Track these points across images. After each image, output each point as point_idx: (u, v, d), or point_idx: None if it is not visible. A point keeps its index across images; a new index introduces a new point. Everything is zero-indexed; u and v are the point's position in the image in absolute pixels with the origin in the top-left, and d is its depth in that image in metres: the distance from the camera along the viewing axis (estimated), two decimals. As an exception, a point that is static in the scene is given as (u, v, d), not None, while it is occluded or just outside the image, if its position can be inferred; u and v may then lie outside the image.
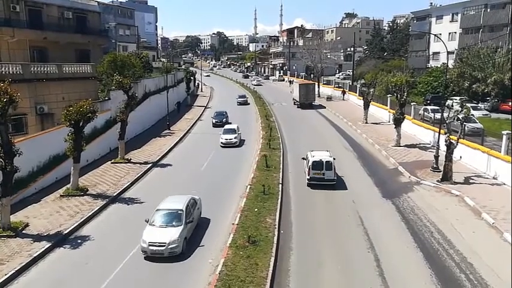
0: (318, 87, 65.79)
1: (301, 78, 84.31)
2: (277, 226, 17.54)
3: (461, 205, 20.08)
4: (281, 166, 26.64)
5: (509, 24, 48.85)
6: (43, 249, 15.77)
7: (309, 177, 22.85)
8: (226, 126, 35.96)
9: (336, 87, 67.06)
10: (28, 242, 16.31)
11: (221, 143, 33.25)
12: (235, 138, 33.40)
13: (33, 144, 22.26)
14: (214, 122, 42.34)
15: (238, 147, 33.11)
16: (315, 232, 17.62)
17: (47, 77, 28.23)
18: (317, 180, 22.64)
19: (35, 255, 15.32)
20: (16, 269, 14.32)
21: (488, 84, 43.86)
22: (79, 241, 16.84)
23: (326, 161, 22.57)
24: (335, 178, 22.69)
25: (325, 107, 54.06)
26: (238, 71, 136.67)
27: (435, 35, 52.21)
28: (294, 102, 56.42)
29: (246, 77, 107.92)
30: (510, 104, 41.16)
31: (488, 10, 54.57)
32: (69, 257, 15.69)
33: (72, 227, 17.77)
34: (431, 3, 74.28)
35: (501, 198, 20.15)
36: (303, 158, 24.91)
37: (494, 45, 47.48)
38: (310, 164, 22.77)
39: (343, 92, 61.63)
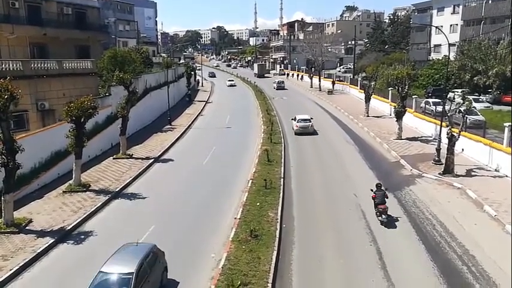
0: (319, 80, 65.77)
1: (302, 71, 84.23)
2: (279, 220, 17.59)
3: (463, 198, 20.08)
4: (283, 160, 26.64)
5: (511, 16, 48.48)
6: (46, 245, 15.84)
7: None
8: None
9: (337, 80, 66.88)
10: (32, 238, 16.39)
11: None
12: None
13: (34, 141, 22.26)
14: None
15: (239, 142, 33.06)
16: (317, 226, 17.66)
17: (48, 73, 28.19)
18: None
19: (38, 251, 15.39)
20: (20, 265, 14.39)
21: (490, 76, 43.70)
22: (82, 236, 16.92)
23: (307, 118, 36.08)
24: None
25: (269, 77, 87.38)
26: (239, 65, 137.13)
27: (436, 27, 51.94)
28: (255, 75, 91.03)
29: (229, 65, 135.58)
30: (512, 96, 41.06)
31: (490, 2, 54.22)
32: (73, 252, 15.77)
33: (75, 222, 17.83)
34: (432, -5, 73.79)
35: (503, 190, 20.12)
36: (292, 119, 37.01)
37: (495, 37, 47.24)
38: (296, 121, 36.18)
39: (333, 83, 63.07)
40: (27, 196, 20.92)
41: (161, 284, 13.01)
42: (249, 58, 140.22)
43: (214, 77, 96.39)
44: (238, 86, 75.63)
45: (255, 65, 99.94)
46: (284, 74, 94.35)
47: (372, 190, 18.36)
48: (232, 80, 78.75)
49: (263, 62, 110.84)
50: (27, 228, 17.28)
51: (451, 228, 16.79)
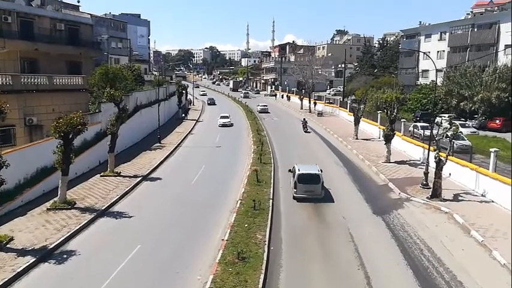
0: (309, 102, 66.46)
1: (293, 93, 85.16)
2: (267, 242, 17.39)
3: (450, 222, 20.16)
4: (272, 181, 26.56)
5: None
6: (27, 264, 15.36)
7: None
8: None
9: (327, 103, 67.67)
10: (12, 257, 15.90)
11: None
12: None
13: (20, 156, 21.92)
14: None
15: (229, 162, 32.98)
16: (305, 248, 17.49)
17: (37, 88, 28.04)
18: None
19: (18, 270, 14.90)
20: (-1, 285, 13.93)
21: (475, 102, 44.64)
22: (65, 256, 16.47)
23: None
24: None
25: (241, 91, 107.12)
26: (222, 83, 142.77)
27: (424, 53, 53.14)
28: (230, 89, 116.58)
29: (214, 82, 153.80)
30: (497, 121, 41.94)
31: (475, 30, 55.86)
32: (54, 272, 15.30)
33: (58, 241, 17.38)
34: (420, 21, 75.82)
35: (490, 215, 20.31)
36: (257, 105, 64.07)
37: (481, 64, 48.45)
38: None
39: (314, 103, 65.94)
40: (10, 213, 20.40)
41: None
42: (241, 78, 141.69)
43: (214, 104, 79.80)
44: (226, 104, 75.82)
45: (231, 82, 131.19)
46: (275, 96, 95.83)
47: (301, 122, 47.92)
48: (227, 117, 53.39)
49: (237, 80, 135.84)
50: (7, 246, 16.76)
51: (438, 253, 16.78)
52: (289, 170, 23.82)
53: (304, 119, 49.64)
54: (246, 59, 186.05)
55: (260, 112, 64.49)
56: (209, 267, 15.40)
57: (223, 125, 51.51)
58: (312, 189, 22.64)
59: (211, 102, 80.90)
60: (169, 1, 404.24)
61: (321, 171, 23.32)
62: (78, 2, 51.73)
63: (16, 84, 26.50)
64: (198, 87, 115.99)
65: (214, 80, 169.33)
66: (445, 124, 24.20)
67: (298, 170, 23.12)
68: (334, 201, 23.49)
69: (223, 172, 29.78)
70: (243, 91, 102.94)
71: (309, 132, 46.85)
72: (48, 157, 22.31)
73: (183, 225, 19.89)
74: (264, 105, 68.29)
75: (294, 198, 23.03)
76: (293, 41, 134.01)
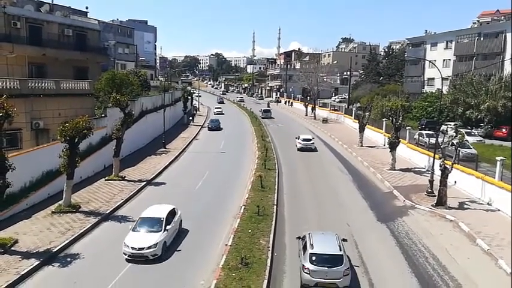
0: (314, 109, 66.48)
1: (298, 100, 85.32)
2: (270, 248, 17.33)
3: (455, 230, 19.99)
4: (276, 187, 26.53)
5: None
6: (31, 266, 15.44)
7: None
8: None
9: (332, 110, 67.67)
10: (16, 259, 15.98)
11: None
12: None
13: (26, 160, 22.10)
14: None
15: (233, 168, 32.98)
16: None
17: (44, 92, 28.27)
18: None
19: (22, 272, 14.98)
20: (3, 287, 13.96)
21: (482, 110, 44.42)
22: (69, 259, 16.52)
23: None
24: None
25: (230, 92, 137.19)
26: (235, 91, 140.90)
27: (430, 61, 53.05)
28: (222, 92, 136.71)
29: (213, 86, 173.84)
30: (503, 130, 41.67)
31: (482, 39, 55.73)
32: (58, 275, 15.36)
33: (63, 244, 17.46)
34: (426, 30, 75.88)
35: (495, 224, 20.12)
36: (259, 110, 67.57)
37: (487, 73, 48.27)
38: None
39: (312, 108, 67.03)
40: (15, 216, 20.54)
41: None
42: (246, 85, 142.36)
43: (219, 129, 54.07)
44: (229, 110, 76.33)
45: (222, 85, 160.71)
46: (279, 102, 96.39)
47: (267, 106, 75.34)
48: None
49: (229, 84, 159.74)
50: (12, 248, 16.88)
51: (443, 261, 16.64)
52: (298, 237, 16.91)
53: (268, 104, 78.99)
54: (252, 65, 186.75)
55: (239, 101, 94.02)
56: (212, 272, 15.38)
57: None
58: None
59: (215, 127, 54.31)
60: (176, 8, 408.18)
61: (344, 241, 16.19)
62: (87, 8, 52.45)
63: (23, 88, 26.75)
64: (223, 102, 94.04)
65: (214, 85, 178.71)
66: (451, 132, 24.10)
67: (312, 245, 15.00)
68: (339, 207, 23.41)
69: (227, 177, 29.79)
70: (222, 90, 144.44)
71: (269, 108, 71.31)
72: (54, 161, 22.47)
73: (187, 230, 19.87)
74: (241, 98, 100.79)
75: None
76: (299, 49, 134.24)
